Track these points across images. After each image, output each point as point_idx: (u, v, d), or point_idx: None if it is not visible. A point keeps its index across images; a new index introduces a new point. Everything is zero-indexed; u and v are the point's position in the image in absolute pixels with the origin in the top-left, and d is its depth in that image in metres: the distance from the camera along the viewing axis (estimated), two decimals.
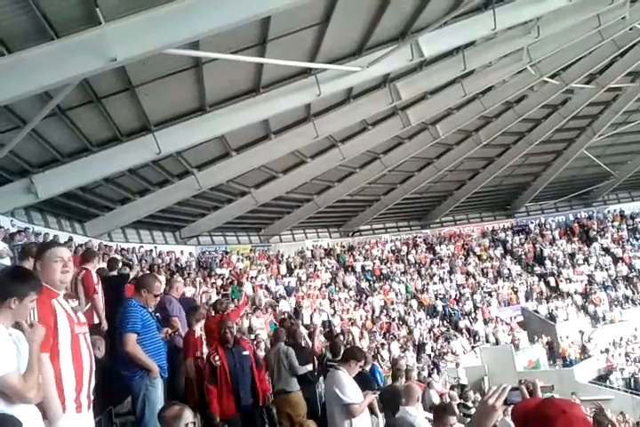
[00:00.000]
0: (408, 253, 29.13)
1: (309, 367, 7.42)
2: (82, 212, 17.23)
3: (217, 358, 5.76)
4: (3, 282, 2.66)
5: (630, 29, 19.16)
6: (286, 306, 21.23)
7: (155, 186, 17.47)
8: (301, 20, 11.64)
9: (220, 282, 21.00)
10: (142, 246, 20.46)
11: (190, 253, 22.86)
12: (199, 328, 6.74)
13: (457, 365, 18.86)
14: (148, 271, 13.67)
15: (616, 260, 29.46)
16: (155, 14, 8.56)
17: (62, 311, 2.95)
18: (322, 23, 12.00)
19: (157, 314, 5.86)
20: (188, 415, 3.78)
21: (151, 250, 20.86)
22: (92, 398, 3.07)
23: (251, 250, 25.34)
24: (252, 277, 22.94)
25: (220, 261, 23.38)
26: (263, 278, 23.37)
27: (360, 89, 16.38)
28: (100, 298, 6.41)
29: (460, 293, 26.43)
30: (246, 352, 6.03)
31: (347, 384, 5.28)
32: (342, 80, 13.94)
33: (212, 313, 8.05)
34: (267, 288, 22.91)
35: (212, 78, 12.13)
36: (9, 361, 2.48)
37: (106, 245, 17.33)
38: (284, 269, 24.95)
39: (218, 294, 17.67)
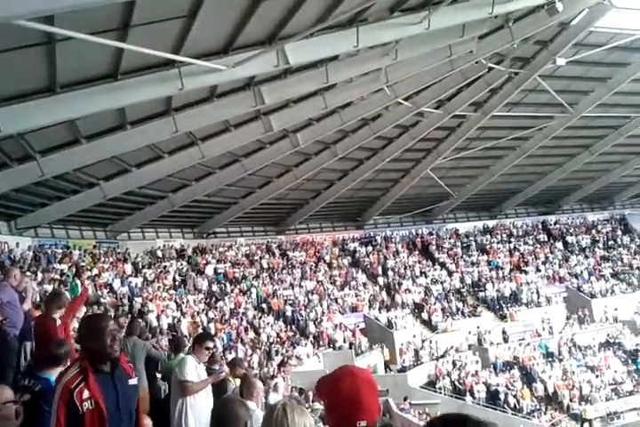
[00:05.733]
0: (262, 257, 29.42)
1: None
2: None
3: (86, 394, 3.19)
4: None
5: (476, 63, 21.20)
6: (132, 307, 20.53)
7: None
8: (168, 10, 11.40)
9: (57, 277, 19.78)
10: None
11: (29, 247, 21.15)
12: (58, 317, 6.33)
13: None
14: None
15: (450, 274, 32.15)
16: None
17: None
18: (189, 16, 11.82)
19: None
20: (6, 395, 3.56)
21: None
22: None
23: (95, 246, 23.97)
24: (94, 276, 21.80)
25: (61, 256, 21.91)
26: (107, 277, 22.28)
27: (224, 89, 16.34)
28: None
29: (308, 299, 27.16)
30: (133, 381, 3.56)
31: (189, 365, 5.35)
32: (206, 77, 13.80)
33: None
34: (111, 288, 21.93)
35: (66, 58, 11.36)
36: None
37: None
38: (129, 269, 23.96)
39: None
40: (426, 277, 31.64)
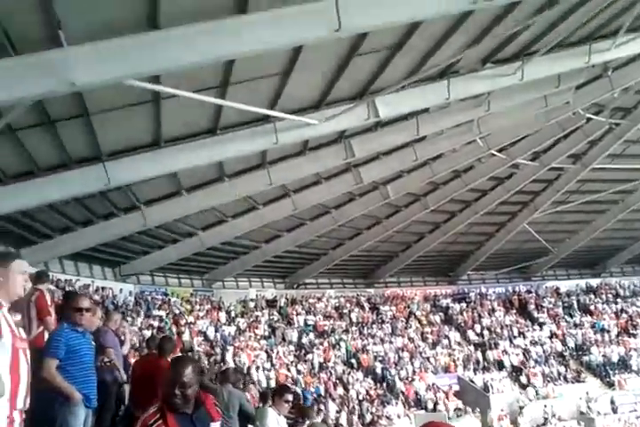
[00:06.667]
0: (351, 310, 29.15)
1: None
2: (19, 237, 16.68)
3: None
4: None
5: (574, 114, 20.58)
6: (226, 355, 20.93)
7: (99, 218, 17.19)
8: (264, 68, 12.08)
9: (156, 323, 20.63)
10: (79, 280, 19.89)
11: (130, 292, 22.32)
12: None
13: None
14: None
15: (551, 336, 30.20)
16: (121, 43, 8.72)
17: (6, 324, 2.85)
18: (284, 73, 12.48)
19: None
20: None
21: (88, 285, 20.29)
22: (23, 416, 2.98)
23: (192, 294, 24.87)
24: (190, 323, 22.54)
25: (160, 302, 22.92)
26: (202, 325, 22.99)
27: (316, 142, 16.85)
28: (52, 321, 6.23)
29: (399, 356, 26.41)
30: (216, 425, 3.33)
31: (270, 417, 5.37)
32: (299, 131, 14.33)
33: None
34: (205, 335, 22.52)
35: (170, 114, 12.30)
36: None
37: None
38: (224, 317, 24.59)
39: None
40: (524, 337, 29.89)
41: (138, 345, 15.95)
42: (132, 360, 8.54)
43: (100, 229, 17.27)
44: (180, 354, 13.42)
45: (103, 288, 20.97)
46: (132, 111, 11.98)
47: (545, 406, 24.96)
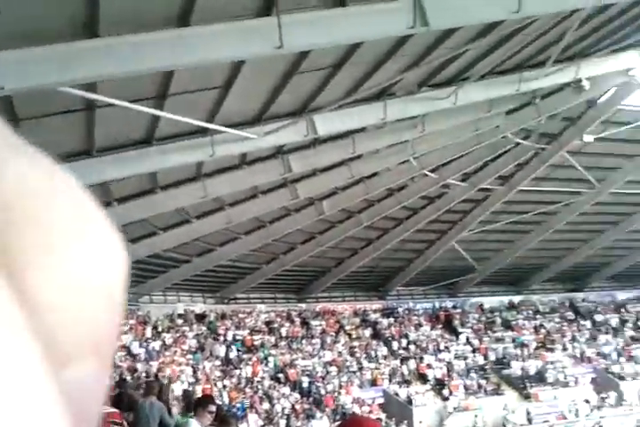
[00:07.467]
0: (281, 325, 28.98)
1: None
2: None
3: None
4: None
5: (503, 138, 21.50)
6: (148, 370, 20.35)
7: None
8: (205, 81, 11.95)
9: None
10: None
11: None
12: None
13: None
14: None
15: (473, 350, 31.17)
16: (55, 49, 8.41)
17: None
18: (224, 87, 12.38)
19: None
20: None
21: None
22: None
23: None
24: None
25: None
26: (125, 340, 22.22)
27: (254, 156, 16.74)
28: None
29: (327, 370, 26.47)
30: None
31: None
32: (237, 145, 14.20)
33: None
34: (128, 350, 21.81)
35: (105, 123, 11.86)
36: None
37: None
38: (149, 332, 23.87)
39: None
40: (449, 351, 30.70)
41: None
42: None
43: None
44: None
45: None
46: (64, 119, 11.50)
47: (476, 415, 25.68)
